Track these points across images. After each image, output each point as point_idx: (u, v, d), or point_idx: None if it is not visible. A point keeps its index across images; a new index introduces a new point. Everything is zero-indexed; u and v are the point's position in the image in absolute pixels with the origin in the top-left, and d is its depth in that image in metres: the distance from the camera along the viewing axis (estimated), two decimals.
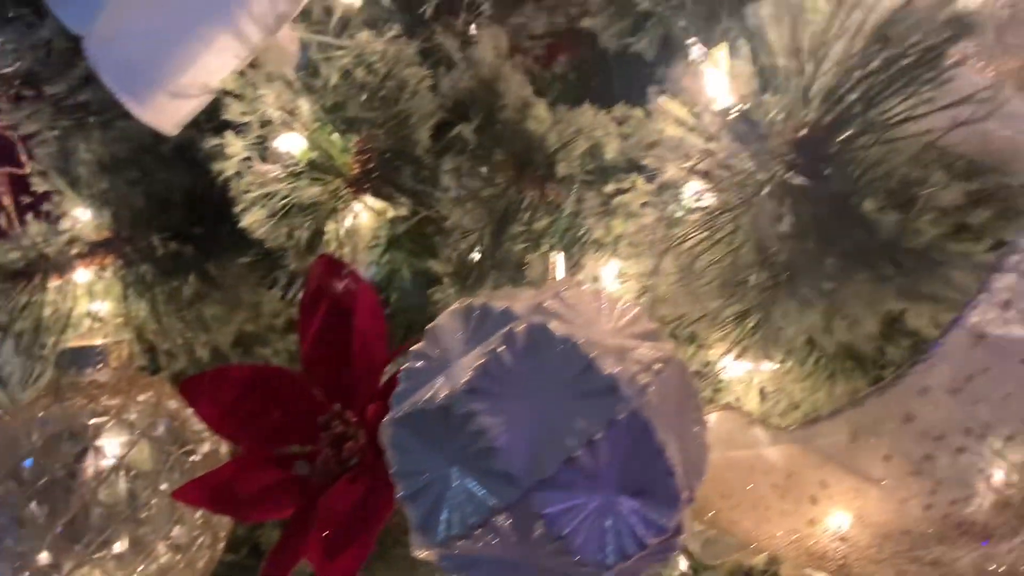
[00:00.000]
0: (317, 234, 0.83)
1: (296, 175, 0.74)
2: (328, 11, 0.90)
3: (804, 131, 0.52)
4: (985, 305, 0.49)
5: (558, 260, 0.69)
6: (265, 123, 0.76)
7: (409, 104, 0.78)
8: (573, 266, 0.72)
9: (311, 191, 0.74)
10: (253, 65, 0.81)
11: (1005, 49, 0.73)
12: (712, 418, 0.64)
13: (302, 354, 0.84)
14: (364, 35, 0.82)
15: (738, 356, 0.65)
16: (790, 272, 0.53)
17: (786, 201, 0.52)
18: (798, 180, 0.51)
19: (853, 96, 0.50)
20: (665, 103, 0.61)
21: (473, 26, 0.86)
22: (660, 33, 0.78)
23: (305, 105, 0.77)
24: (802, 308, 0.53)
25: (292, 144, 0.77)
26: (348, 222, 0.84)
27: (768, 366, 0.71)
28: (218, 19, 0.76)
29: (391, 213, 0.84)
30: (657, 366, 0.57)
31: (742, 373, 0.73)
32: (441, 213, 0.77)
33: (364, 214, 0.85)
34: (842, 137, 0.51)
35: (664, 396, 0.57)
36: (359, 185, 0.79)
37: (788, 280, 0.53)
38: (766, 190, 0.52)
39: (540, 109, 0.67)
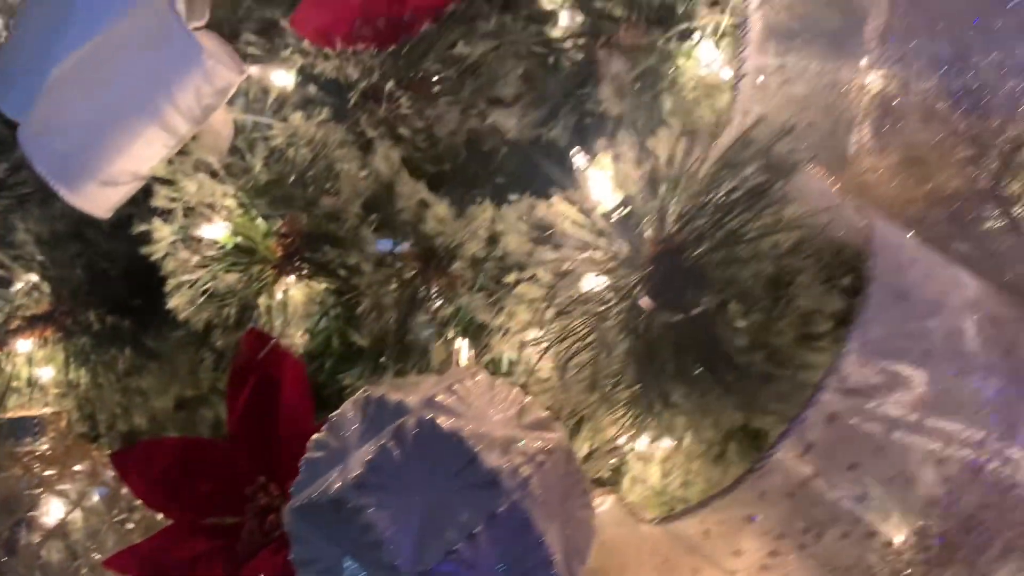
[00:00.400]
0: (247, 309, 0.86)
1: (218, 261, 0.78)
2: (265, 91, 0.94)
3: (660, 246, 0.56)
4: (813, 419, 0.53)
5: (462, 347, 0.73)
6: (189, 210, 0.80)
7: (336, 185, 0.81)
8: (483, 349, 0.75)
9: (231, 278, 0.77)
10: (184, 151, 0.85)
11: (885, 145, 0.78)
12: (603, 500, 0.68)
13: (229, 426, 0.87)
14: (297, 116, 0.86)
15: (631, 439, 0.69)
16: (644, 380, 0.57)
17: (640, 312, 0.56)
18: (644, 300, 0.55)
19: (702, 218, 0.55)
20: (557, 201, 0.65)
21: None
22: (572, 123, 0.82)
23: (230, 192, 0.80)
24: (655, 413, 0.57)
25: (216, 231, 0.80)
26: (280, 295, 0.87)
27: (667, 443, 0.74)
28: (146, 112, 0.80)
29: (322, 285, 0.87)
30: (540, 457, 0.61)
31: (643, 448, 0.76)
32: (363, 294, 0.81)
33: (294, 289, 0.88)
34: (694, 253, 0.55)
35: (548, 485, 0.61)
36: (282, 267, 0.82)
37: (643, 387, 0.57)
38: (625, 301, 0.56)
39: (440, 208, 0.71)
